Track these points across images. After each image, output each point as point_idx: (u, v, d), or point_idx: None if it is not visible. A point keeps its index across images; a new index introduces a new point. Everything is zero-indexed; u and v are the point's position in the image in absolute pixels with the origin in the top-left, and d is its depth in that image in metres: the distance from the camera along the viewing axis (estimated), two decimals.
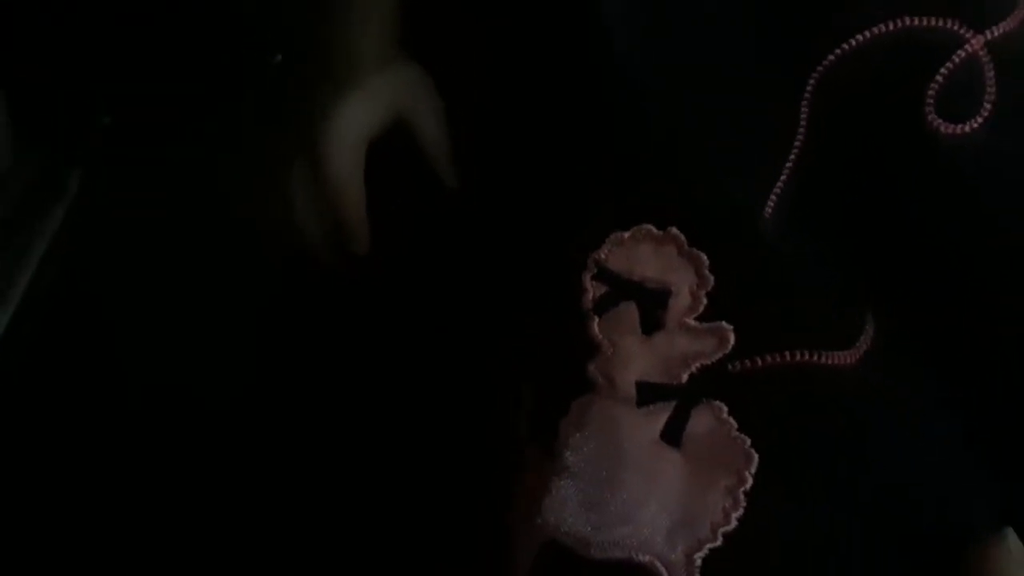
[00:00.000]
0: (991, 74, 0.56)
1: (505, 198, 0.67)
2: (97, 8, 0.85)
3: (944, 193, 0.56)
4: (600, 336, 0.55)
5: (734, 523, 0.51)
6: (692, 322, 0.54)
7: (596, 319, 0.55)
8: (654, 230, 0.55)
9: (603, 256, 0.56)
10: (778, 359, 0.53)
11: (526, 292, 0.62)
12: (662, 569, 0.50)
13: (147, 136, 0.86)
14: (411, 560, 0.72)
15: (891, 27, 0.56)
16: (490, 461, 0.65)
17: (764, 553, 0.51)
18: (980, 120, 0.56)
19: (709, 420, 0.53)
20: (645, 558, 0.50)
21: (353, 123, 0.68)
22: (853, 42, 0.56)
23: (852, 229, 0.56)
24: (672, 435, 0.53)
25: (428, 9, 0.70)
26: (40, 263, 0.83)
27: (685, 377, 0.53)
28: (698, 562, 0.50)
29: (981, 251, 0.55)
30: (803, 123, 0.57)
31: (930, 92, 0.56)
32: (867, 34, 0.56)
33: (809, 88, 0.57)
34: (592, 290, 0.56)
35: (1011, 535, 0.51)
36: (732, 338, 0.53)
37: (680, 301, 0.54)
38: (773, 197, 0.56)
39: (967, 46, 0.56)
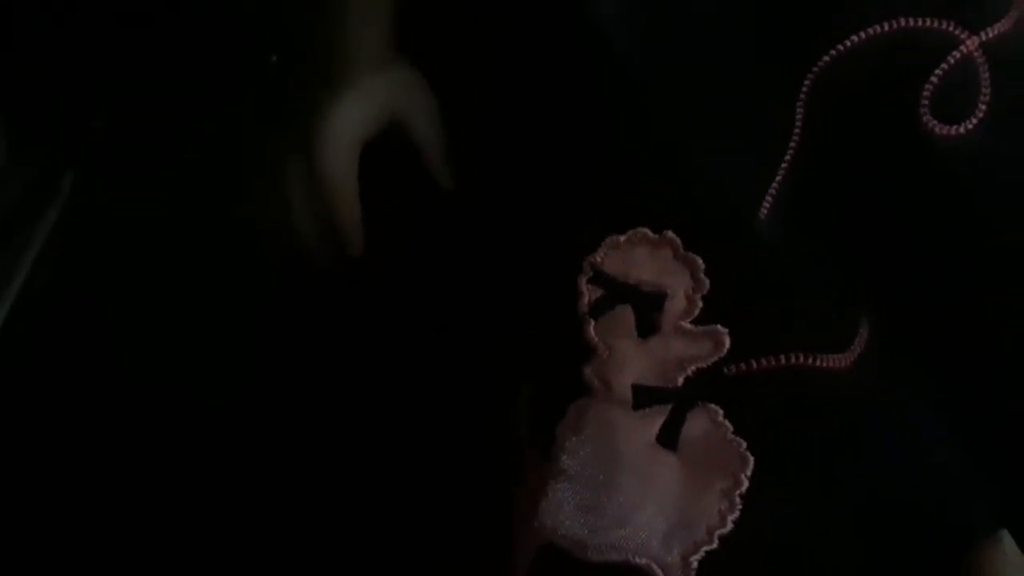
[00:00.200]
0: (986, 75, 0.56)
1: (502, 200, 0.66)
2: (93, 8, 0.84)
3: (939, 194, 0.56)
4: (596, 339, 0.55)
5: (730, 526, 0.51)
6: (688, 325, 0.54)
7: (592, 322, 0.55)
8: (650, 233, 0.55)
9: (599, 259, 0.56)
10: (773, 362, 0.53)
11: (522, 294, 0.62)
12: (659, 572, 0.50)
13: (143, 136, 0.86)
14: (412, 560, 0.72)
15: (886, 28, 0.56)
16: (490, 461, 0.65)
17: (760, 556, 0.51)
18: (975, 121, 0.56)
19: (705, 423, 0.53)
20: (642, 561, 0.51)
21: (348, 123, 0.68)
22: (849, 43, 0.56)
23: (847, 230, 0.56)
24: (668, 438, 0.53)
25: (425, 10, 0.70)
26: (35, 264, 0.82)
27: (681, 380, 0.53)
28: (694, 564, 0.50)
29: (976, 252, 0.55)
30: (799, 123, 0.57)
31: (925, 93, 0.56)
32: (863, 35, 0.56)
33: (805, 88, 0.57)
34: (588, 293, 0.56)
35: (1007, 537, 0.51)
36: (727, 341, 0.53)
37: (676, 304, 0.54)
38: (769, 198, 0.56)
39: (962, 47, 0.56)
